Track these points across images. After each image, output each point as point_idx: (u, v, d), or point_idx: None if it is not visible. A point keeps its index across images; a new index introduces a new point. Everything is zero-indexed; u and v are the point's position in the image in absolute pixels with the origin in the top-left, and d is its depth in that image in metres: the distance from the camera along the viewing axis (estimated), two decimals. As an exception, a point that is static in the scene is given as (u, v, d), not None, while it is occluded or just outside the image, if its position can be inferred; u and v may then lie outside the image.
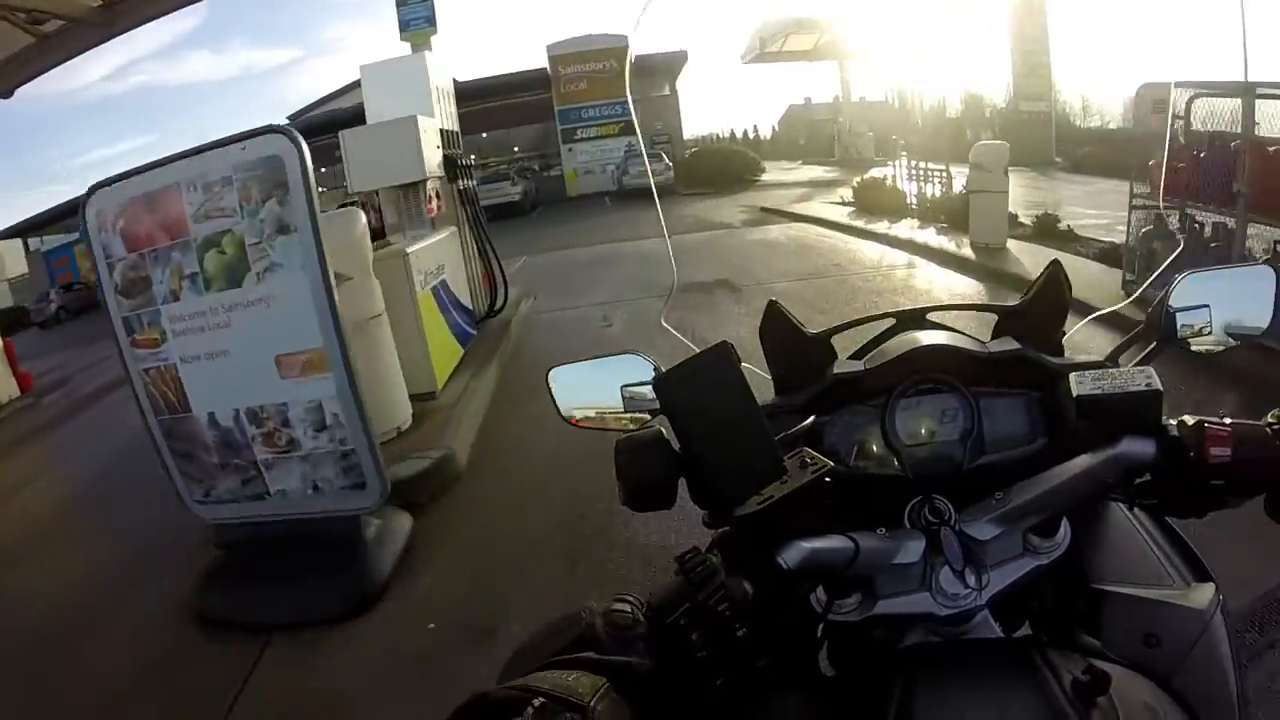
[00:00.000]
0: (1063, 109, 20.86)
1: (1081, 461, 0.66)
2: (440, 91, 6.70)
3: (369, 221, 5.49)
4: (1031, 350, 0.84)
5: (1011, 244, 8.02)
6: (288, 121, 27.69)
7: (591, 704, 0.49)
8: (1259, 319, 0.82)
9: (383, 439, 3.97)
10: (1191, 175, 5.31)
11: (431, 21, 7.86)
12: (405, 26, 7.84)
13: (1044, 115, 19.58)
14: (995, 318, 0.93)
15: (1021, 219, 8.73)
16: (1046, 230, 8.32)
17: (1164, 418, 0.66)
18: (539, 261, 11.68)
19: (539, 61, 26.00)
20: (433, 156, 5.93)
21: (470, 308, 6.41)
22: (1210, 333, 0.81)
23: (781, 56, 27.71)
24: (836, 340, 0.93)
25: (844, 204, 13.63)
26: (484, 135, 27.26)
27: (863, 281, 7.60)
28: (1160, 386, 0.66)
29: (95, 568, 3.57)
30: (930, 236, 9.36)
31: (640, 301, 7.38)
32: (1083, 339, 0.94)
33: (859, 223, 11.39)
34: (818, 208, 13.99)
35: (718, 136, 39.97)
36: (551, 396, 0.92)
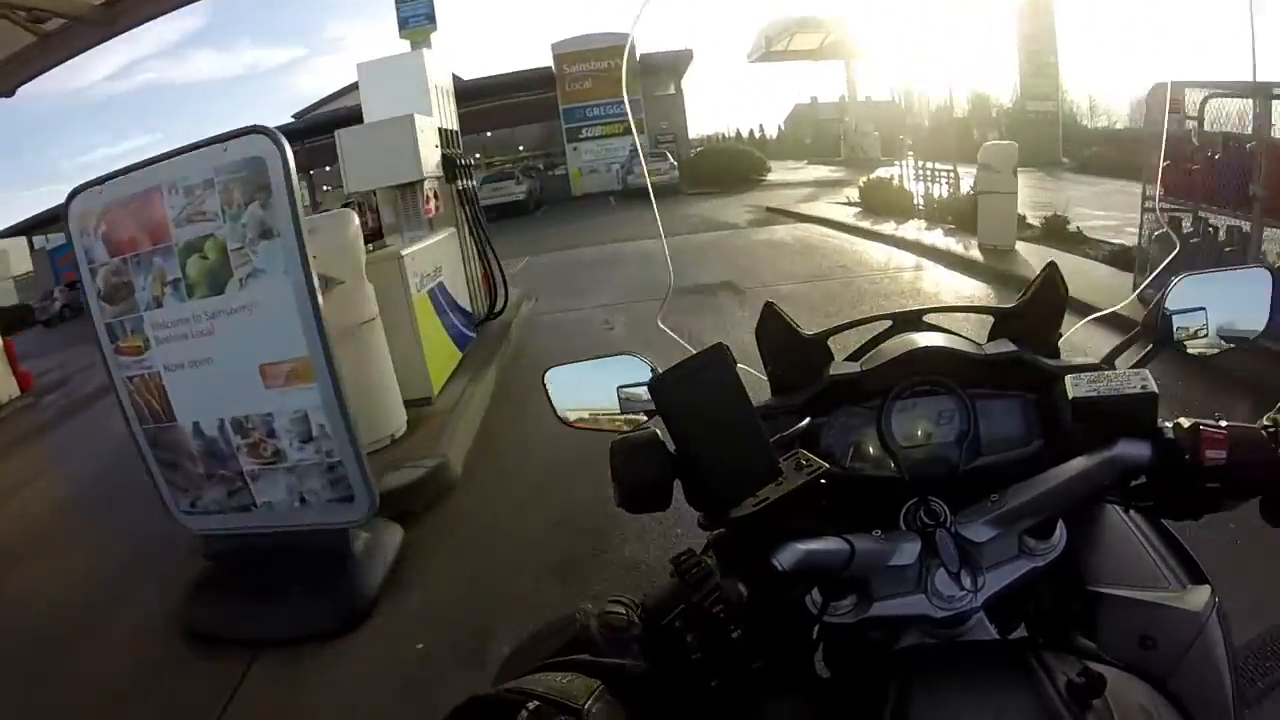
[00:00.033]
0: (1069, 109, 20.68)
1: (1077, 464, 0.66)
2: (439, 90, 6.61)
3: (366, 223, 5.43)
4: (1028, 352, 0.83)
5: (1020, 246, 7.89)
6: (292, 120, 27.75)
7: (586, 706, 0.48)
8: (1255, 321, 0.83)
9: (376, 446, 3.91)
10: (1205, 177, 5.20)
11: (431, 18, 7.77)
12: (404, 24, 7.74)
13: (1051, 115, 19.38)
14: (992, 319, 0.93)
15: (1030, 220, 8.59)
16: (1055, 232, 8.17)
17: (1159, 420, 0.66)
18: (542, 262, 11.61)
19: (544, 60, 25.97)
20: (430, 156, 5.84)
21: (469, 310, 6.32)
22: (1206, 335, 0.82)
23: (787, 56, 27.55)
24: (833, 342, 0.93)
25: (850, 204, 13.50)
26: (489, 134, 27.22)
27: (869, 284, 7.49)
28: (1156, 389, 0.66)
29: (84, 576, 3.50)
30: (938, 238, 9.24)
31: (643, 304, 7.26)
32: (1080, 341, 0.94)
33: (865, 224, 11.25)
34: (824, 208, 13.85)
35: (723, 136, 39.85)
36: (548, 397, 0.93)
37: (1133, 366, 0.76)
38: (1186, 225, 5.44)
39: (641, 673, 0.56)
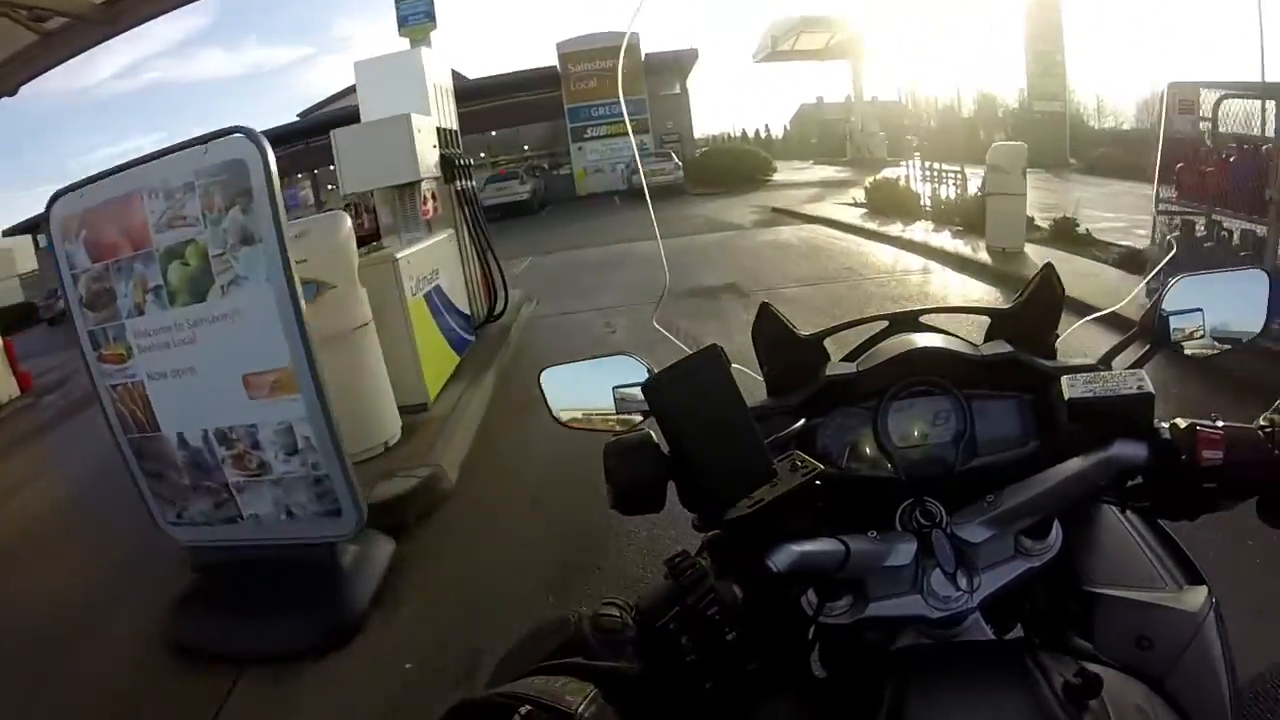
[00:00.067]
0: (1076, 109, 20.52)
1: (1073, 464, 0.66)
2: (438, 89, 6.51)
3: (363, 224, 5.34)
4: (1024, 353, 0.83)
5: (1029, 249, 7.76)
6: (297, 119, 27.76)
7: (579, 710, 0.47)
8: (1252, 322, 0.83)
9: (369, 455, 3.83)
10: (1220, 180, 5.09)
11: (430, 16, 7.67)
12: (404, 21, 7.65)
13: (1058, 116, 19.25)
14: (989, 320, 0.93)
15: (1038, 222, 8.47)
16: (1064, 234, 8.04)
17: (1156, 420, 0.66)
18: (545, 262, 11.54)
19: (549, 59, 25.91)
20: (429, 156, 5.76)
21: (468, 313, 6.24)
22: (1203, 336, 0.82)
23: (793, 55, 27.51)
24: (829, 342, 0.93)
25: (856, 205, 13.40)
26: (493, 133, 27.15)
27: (876, 287, 7.38)
28: (1152, 389, 0.66)
29: (72, 583, 3.42)
30: (945, 240, 9.13)
31: (646, 306, 7.15)
32: (1080, 341, 0.93)
33: (872, 225, 11.14)
34: (830, 209, 13.76)
35: (729, 135, 39.77)
36: (543, 397, 0.93)
37: (1129, 367, 0.76)
38: (1200, 228, 5.33)
39: (636, 675, 0.56)
